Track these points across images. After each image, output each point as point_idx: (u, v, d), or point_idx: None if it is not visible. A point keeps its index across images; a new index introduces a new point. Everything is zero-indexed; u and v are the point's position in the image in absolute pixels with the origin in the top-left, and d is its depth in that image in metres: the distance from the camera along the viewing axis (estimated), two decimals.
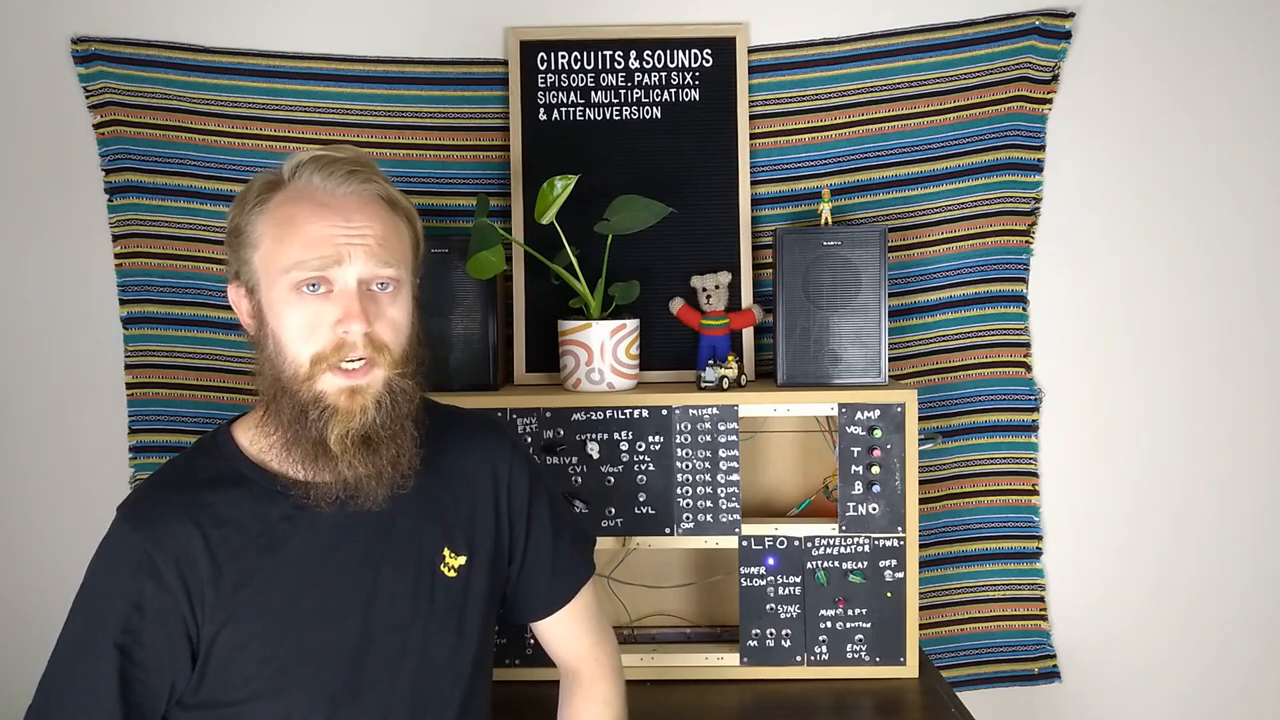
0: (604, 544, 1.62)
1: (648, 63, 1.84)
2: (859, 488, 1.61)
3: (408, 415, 1.11)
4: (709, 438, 1.63)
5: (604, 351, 1.66)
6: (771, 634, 1.64)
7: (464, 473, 1.22)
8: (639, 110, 1.84)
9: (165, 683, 1.06)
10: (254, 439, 1.13)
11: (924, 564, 1.84)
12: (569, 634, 1.31)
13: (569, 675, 1.33)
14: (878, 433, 1.60)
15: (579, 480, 1.63)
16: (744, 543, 1.63)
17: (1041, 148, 1.84)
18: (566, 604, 1.30)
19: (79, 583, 1.09)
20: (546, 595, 1.29)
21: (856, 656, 1.63)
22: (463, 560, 1.18)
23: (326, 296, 1.06)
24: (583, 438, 1.62)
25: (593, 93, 1.85)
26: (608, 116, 1.85)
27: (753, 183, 1.84)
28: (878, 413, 1.61)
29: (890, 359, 1.74)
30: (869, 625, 1.62)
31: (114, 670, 1.04)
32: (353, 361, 1.06)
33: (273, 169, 1.12)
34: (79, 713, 1.04)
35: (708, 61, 1.84)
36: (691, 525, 1.63)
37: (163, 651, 1.06)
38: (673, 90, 1.84)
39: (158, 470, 1.15)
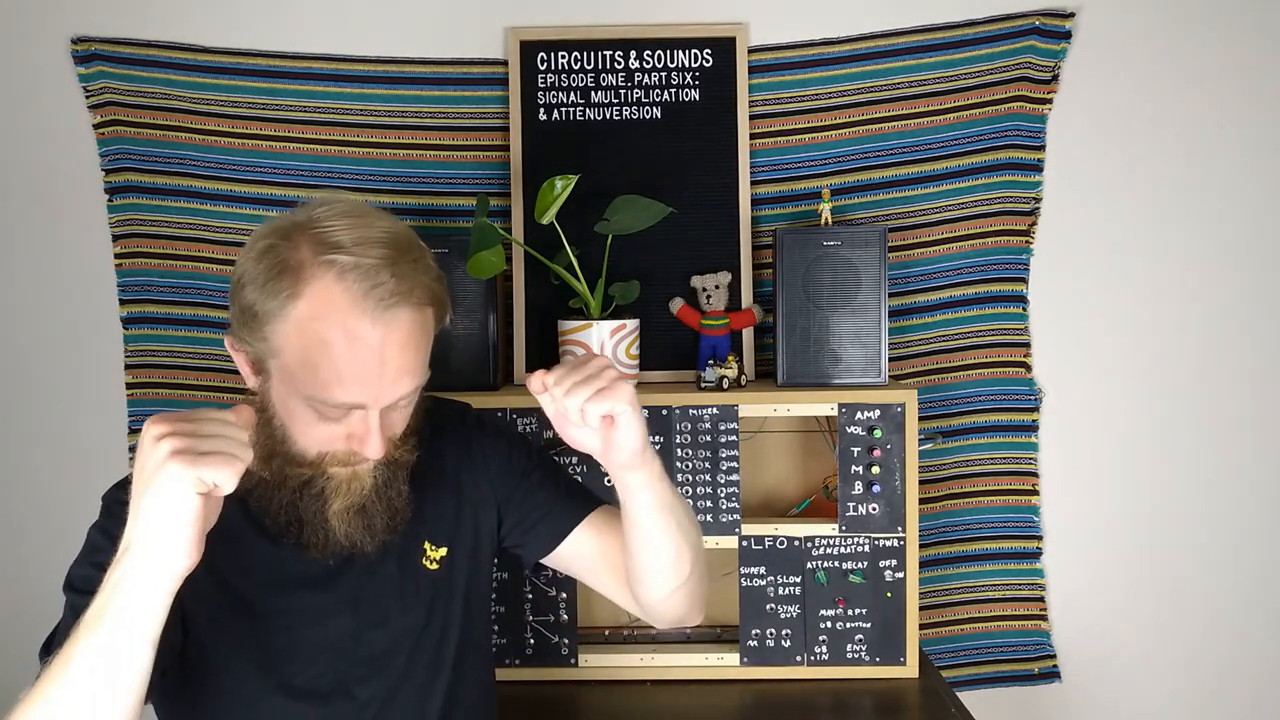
0: None
1: (648, 63, 1.84)
2: (859, 488, 1.61)
3: (405, 468, 1.09)
4: (709, 438, 1.63)
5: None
6: (771, 634, 1.64)
7: (437, 468, 1.20)
8: (639, 110, 1.84)
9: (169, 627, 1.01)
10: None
11: (924, 564, 1.83)
12: (613, 531, 1.22)
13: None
14: (878, 433, 1.60)
15: (579, 480, 1.62)
16: (744, 543, 1.63)
17: (1041, 148, 1.84)
18: (591, 512, 1.25)
19: None
20: (564, 511, 1.24)
21: (856, 656, 1.63)
22: (443, 552, 1.19)
23: (345, 414, 1.02)
24: None
25: (593, 93, 1.85)
26: (608, 116, 1.85)
27: (753, 183, 1.84)
28: (878, 413, 1.61)
29: (890, 359, 1.74)
30: (869, 625, 1.62)
31: None
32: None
33: (292, 232, 0.99)
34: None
35: (708, 61, 1.84)
36: None
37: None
38: (673, 90, 1.84)
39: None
